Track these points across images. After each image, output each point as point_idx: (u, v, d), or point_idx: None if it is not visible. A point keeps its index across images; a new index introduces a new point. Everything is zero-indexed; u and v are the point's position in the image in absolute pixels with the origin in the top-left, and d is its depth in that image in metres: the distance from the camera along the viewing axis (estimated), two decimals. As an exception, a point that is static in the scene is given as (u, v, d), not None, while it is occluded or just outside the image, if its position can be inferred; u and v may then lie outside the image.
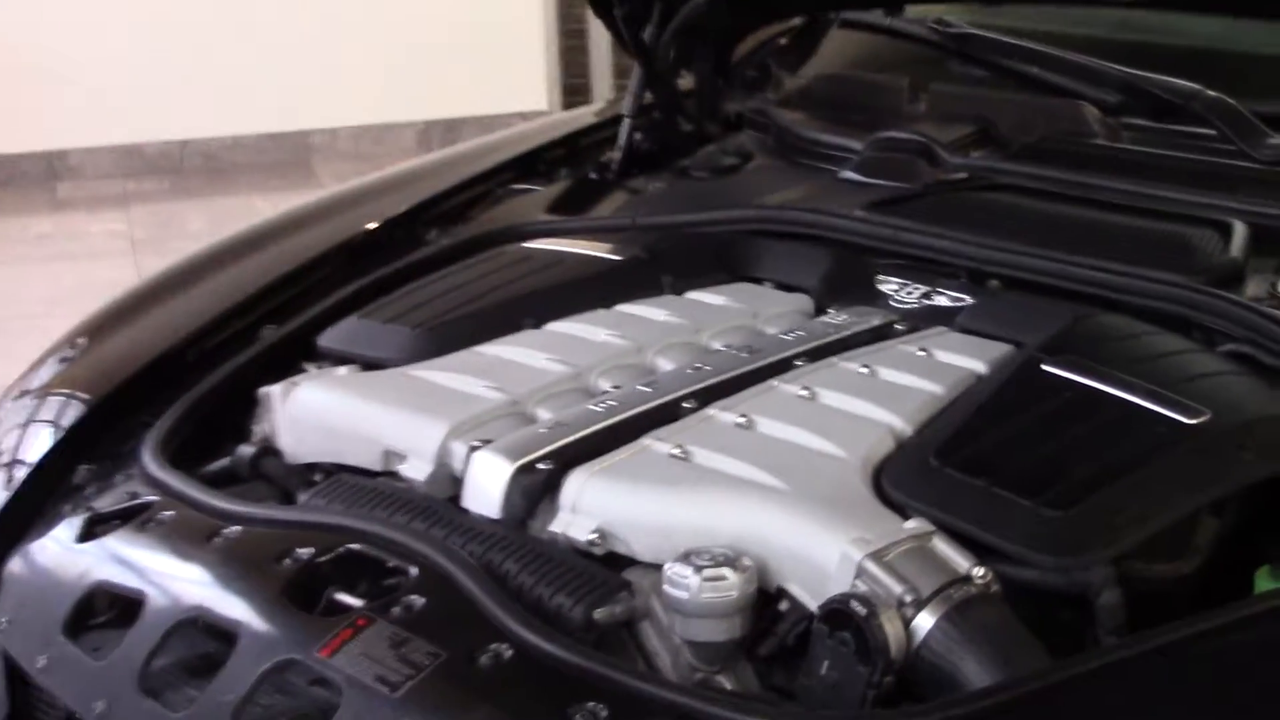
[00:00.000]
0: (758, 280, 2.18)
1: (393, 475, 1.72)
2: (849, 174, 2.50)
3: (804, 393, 1.77)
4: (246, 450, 1.84)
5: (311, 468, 1.81)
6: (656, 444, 1.64)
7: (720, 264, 2.20)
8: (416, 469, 1.69)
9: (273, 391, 1.86)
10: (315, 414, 1.81)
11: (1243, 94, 2.33)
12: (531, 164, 2.75)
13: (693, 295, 2.11)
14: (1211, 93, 2.35)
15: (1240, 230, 2.09)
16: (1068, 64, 2.53)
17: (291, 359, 2.04)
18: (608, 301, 2.06)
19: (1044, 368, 1.77)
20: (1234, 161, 2.28)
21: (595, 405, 1.73)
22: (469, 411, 1.73)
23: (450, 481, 1.68)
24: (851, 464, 1.60)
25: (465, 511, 1.63)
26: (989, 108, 2.56)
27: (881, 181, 2.42)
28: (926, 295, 2.05)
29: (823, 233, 2.21)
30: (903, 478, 1.59)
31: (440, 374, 1.84)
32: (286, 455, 1.84)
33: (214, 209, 6.91)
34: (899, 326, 2.00)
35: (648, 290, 2.10)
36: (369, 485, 1.70)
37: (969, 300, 2.02)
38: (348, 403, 1.80)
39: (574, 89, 8.44)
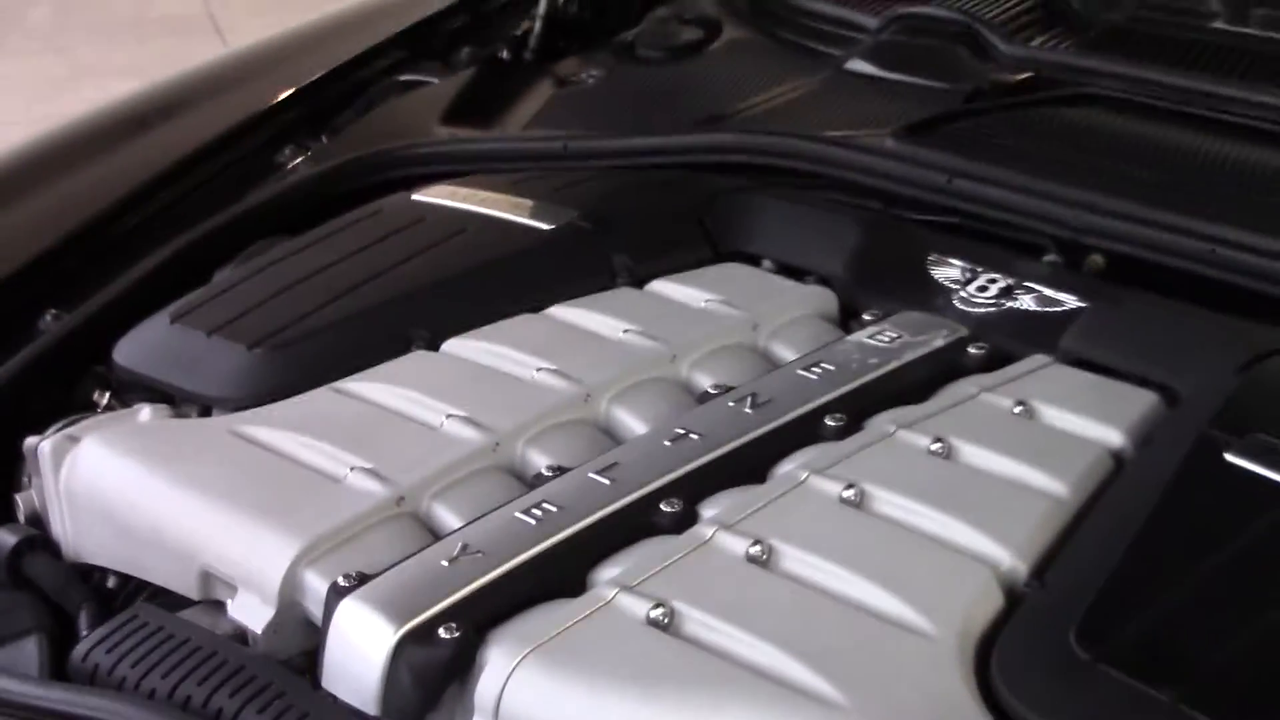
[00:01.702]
0: (753, 260, 1.71)
1: (215, 604, 1.30)
2: (859, 64, 2.05)
3: (849, 494, 1.25)
4: (5, 539, 1.42)
5: (101, 572, 1.42)
6: (625, 599, 1.17)
7: (696, 233, 1.72)
8: (249, 611, 1.26)
9: (42, 450, 1.42)
10: (101, 496, 1.38)
11: None
12: (424, 40, 2.28)
13: (659, 286, 1.64)
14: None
15: None
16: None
17: (81, 364, 1.60)
18: (535, 297, 1.61)
19: (1229, 459, 1.24)
20: None
21: (523, 511, 1.27)
22: (330, 516, 1.27)
23: (302, 630, 1.24)
24: (945, 644, 1.13)
25: (327, 698, 1.19)
26: None
27: (906, 78, 1.99)
28: (1007, 292, 1.55)
29: (841, 173, 1.73)
30: (1030, 678, 1.09)
31: (288, 435, 1.38)
32: (63, 548, 1.42)
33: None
34: (973, 350, 1.48)
35: (593, 277, 1.65)
36: (181, 638, 1.25)
37: (1073, 302, 1.51)
38: (147, 485, 1.35)
39: None
